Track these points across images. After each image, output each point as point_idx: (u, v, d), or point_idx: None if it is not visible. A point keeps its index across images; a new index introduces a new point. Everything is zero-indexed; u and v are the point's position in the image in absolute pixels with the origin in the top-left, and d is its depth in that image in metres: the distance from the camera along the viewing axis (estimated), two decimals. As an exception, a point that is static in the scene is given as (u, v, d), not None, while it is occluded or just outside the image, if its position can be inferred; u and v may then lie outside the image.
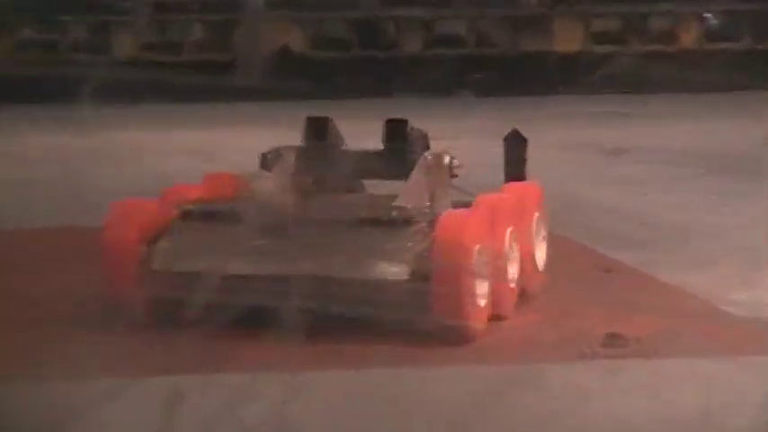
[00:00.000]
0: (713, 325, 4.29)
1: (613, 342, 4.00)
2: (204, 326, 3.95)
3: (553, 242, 4.97)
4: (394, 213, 4.28)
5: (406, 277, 4.06)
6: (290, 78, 14.66)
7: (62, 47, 15.27)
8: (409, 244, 4.16)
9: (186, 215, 4.33)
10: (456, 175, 4.68)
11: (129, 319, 4.18)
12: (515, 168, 4.97)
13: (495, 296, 4.21)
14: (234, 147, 8.12)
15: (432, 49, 16.00)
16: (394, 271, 4.09)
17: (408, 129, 4.89)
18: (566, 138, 10.17)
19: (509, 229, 4.35)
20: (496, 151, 5.11)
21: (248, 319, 4.05)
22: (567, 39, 15.89)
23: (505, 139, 5.08)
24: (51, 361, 3.91)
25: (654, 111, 12.75)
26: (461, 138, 8.04)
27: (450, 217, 4.15)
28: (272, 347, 3.88)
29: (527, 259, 4.54)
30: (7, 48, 15.27)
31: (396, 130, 4.88)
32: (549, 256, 4.85)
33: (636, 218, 6.56)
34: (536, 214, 4.71)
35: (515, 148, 5.03)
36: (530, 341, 4.17)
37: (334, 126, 4.94)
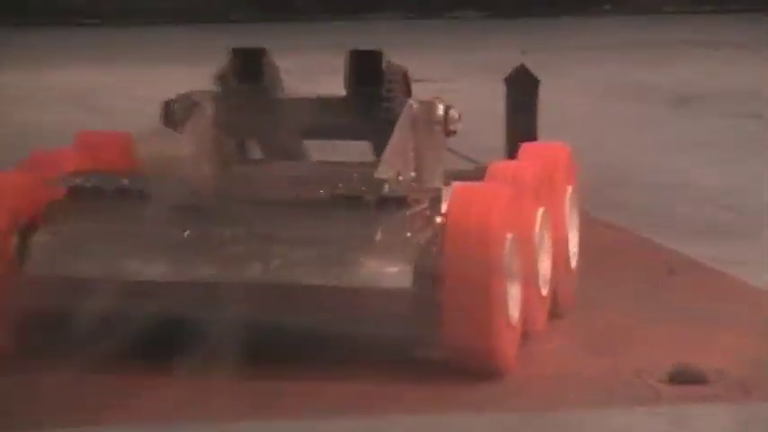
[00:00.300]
0: None
1: (685, 377, 4.20)
2: (97, 355, 4.00)
3: (595, 230, 5.12)
4: (385, 188, 4.34)
5: (408, 284, 4.14)
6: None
7: None
8: (408, 234, 4.22)
9: (72, 195, 4.43)
10: (454, 132, 4.79)
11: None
12: (522, 123, 5.12)
13: (524, 307, 4.39)
14: (132, 90, 8.29)
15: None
16: (391, 274, 4.15)
17: (384, 64, 4.97)
18: (610, 78, 10.42)
19: (540, 211, 4.50)
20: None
21: (161, 345, 4.12)
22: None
23: (507, 80, 5.23)
24: None
25: (745, 39, 12.98)
26: (458, 78, 8.16)
27: (466, 193, 4.25)
28: (194, 386, 3.97)
29: (560, 254, 4.71)
30: None
31: (364, 67, 4.96)
32: (592, 250, 5.05)
33: (715, 197, 6.78)
34: (569, 189, 4.87)
35: (522, 94, 5.18)
36: (569, 376, 4.33)
37: (271, 62, 5.03)
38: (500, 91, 5.89)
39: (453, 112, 4.80)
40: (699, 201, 6.75)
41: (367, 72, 4.97)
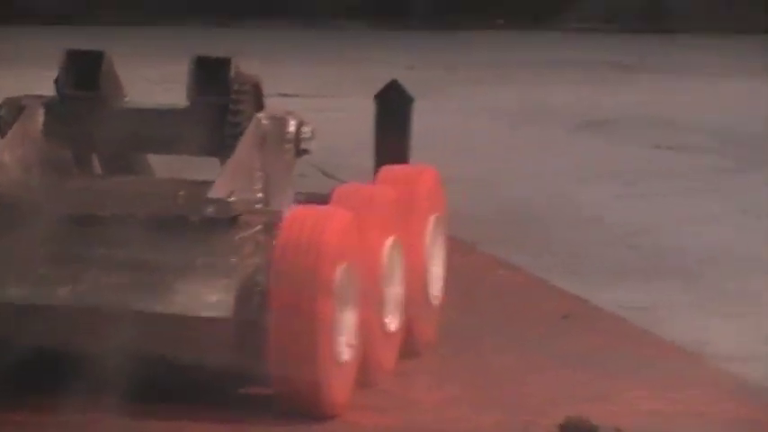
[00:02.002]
0: (738, 404, 4.67)
1: (577, 431, 4.30)
2: None
3: (485, 267, 5.17)
4: (209, 209, 4.40)
5: (228, 313, 4.21)
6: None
7: None
8: (233, 259, 4.31)
9: None
10: (305, 151, 4.86)
11: None
12: (393, 144, 5.18)
13: (365, 341, 4.49)
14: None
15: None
16: (210, 302, 4.23)
17: (232, 73, 5.02)
18: (510, 100, 10.61)
19: (390, 239, 4.62)
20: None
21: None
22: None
23: (377, 97, 5.29)
24: None
25: (666, 62, 13.25)
26: (334, 94, 8.26)
27: (299, 216, 4.35)
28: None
29: (417, 286, 4.82)
30: None
31: (209, 76, 5.01)
32: (479, 289, 5.05)
33: (622, 234, 6.92)
34: (432, 218, 4.98)
35: (393, 112, 5.27)
36: (428, 425, 4.42)
37: (110, 66, 5.06)
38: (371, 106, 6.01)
39: (306, 130, 4.87)
40: (603, 236, 6.88)
41: (211, 81, 5.01)
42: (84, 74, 5.02)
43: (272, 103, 5.09)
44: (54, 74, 5.34)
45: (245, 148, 4.73)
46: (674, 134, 9.69)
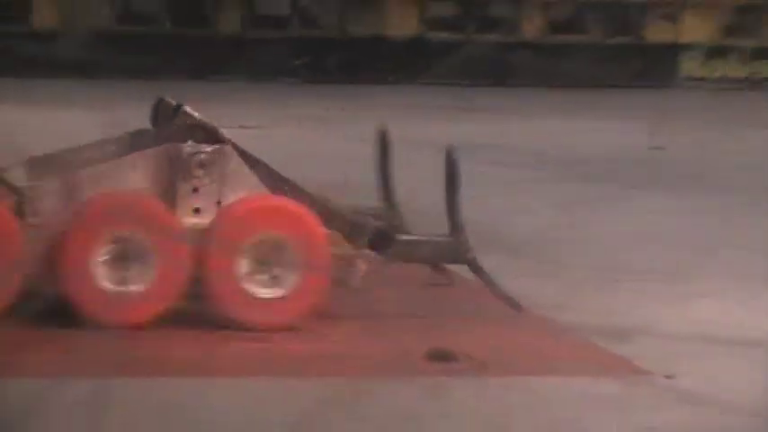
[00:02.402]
0: (550, 341, 4.61)
1: (439, 356, 4.23)
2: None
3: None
4: None
5: None
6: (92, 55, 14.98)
7: None
8: None
9: None
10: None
11: None
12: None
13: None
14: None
15: (253, 30, 16.60)
16: None
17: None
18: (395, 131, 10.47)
19: None
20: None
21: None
22: (400, 23, 16.62)
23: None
24: None
25: (505, 105, 13.26)
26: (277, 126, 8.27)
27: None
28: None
29: None
30: None
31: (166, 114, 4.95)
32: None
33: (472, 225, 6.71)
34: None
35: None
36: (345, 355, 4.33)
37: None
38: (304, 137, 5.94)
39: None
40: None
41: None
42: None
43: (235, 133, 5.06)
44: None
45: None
46: (504, 155, 9.58)
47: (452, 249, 5.00)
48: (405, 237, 4.97)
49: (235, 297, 4.49)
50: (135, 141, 4.87)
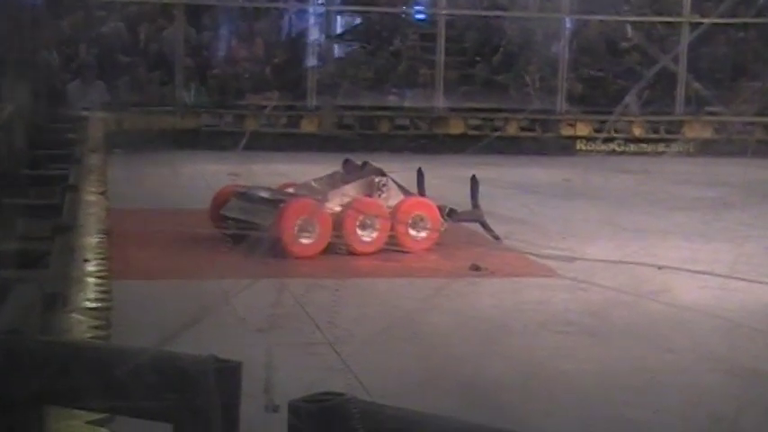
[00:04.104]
0: (520, 261, 7.19)
1: (475, 268, 6.90)
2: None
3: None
4: None
5: None
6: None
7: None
8: None
9: None
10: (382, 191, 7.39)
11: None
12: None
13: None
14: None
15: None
16: None
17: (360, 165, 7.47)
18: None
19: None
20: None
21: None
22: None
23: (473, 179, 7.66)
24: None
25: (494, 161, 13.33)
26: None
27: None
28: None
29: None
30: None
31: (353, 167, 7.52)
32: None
33: (486, 208, 8.34)
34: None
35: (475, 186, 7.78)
36: (436, 267, 6.88)
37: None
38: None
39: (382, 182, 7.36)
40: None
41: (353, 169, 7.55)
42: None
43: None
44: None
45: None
46: (497, 183, 10.28)
47: (475, 215, 7.69)
48: (459, 211, 7.64)
49: (406, 239, 7.29)
50: (344, 176, 7.49)
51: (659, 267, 6.05)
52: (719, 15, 14.60)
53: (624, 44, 15.64)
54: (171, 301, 5.66)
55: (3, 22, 7.01)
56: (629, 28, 15.67)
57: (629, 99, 13.85)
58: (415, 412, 1.76)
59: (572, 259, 6.93)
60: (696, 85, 14.76)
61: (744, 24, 15.58)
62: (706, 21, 14.51)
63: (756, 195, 10.62)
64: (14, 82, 6.87)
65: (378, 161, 8.08)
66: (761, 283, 5.75)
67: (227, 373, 1.97)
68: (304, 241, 7.02)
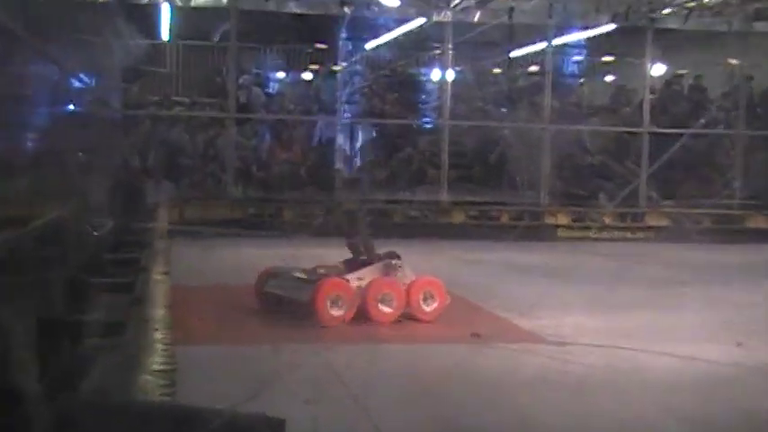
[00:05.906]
0: (507, 329, 6.94)
1: (474, 335, 6.65)
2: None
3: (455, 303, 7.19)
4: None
5: None
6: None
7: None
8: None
9: None
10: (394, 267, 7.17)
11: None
12: None
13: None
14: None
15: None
16: None
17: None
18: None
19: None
20: None
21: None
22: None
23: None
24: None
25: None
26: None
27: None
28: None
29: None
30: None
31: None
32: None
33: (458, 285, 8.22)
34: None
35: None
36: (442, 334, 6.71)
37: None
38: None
39: (396, 263, 7.08)
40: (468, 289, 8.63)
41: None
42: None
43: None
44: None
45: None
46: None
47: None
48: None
49: (420, 310, 7.27)
50: (365, 259, 7.41)
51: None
52: (672, 126, 15.02)
53: (593, 150, 15.85)
54: (224, 362, 5.77)
55: (104, 137, 7.18)
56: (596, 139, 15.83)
57: (602, 196, 14.37)
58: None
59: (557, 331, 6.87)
60: (652, 192, 14.83)
61: (694, 135, 15.79)
62: (662, 130, 14.99)
63: (706, 275, 10.51)
64: (106, 182, 7.08)
65: (392, 245, 7.98)
66: (644, 351, 6.03)
67: (274, 427, 1.98)
68: (334, 313, 7.05)
